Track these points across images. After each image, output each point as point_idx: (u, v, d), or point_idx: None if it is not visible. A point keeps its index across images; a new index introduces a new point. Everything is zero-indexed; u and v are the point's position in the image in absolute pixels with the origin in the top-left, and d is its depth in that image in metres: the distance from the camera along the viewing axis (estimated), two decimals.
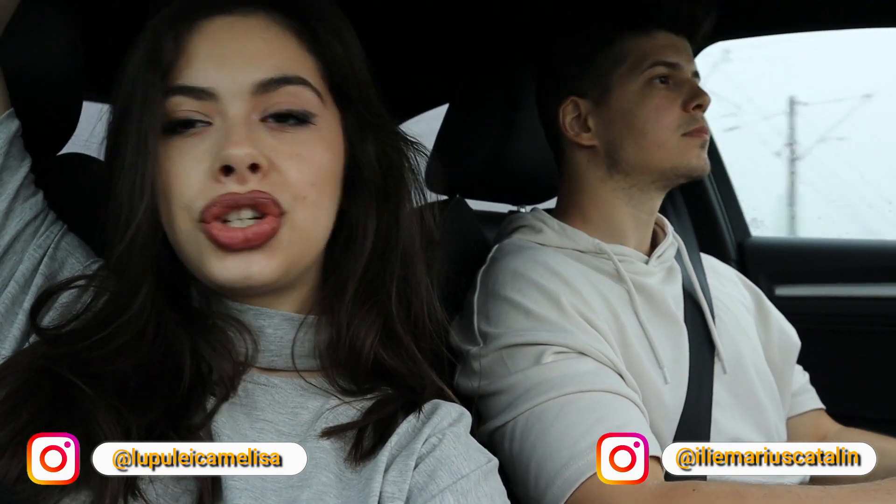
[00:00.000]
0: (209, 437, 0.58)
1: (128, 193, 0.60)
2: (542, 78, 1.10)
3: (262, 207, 0.58)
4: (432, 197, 0.84)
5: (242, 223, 0.58)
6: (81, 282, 0.64)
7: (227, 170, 0.57)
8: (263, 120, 0.60)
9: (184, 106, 0.60)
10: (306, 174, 0.60)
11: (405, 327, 0.67)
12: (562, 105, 1.03)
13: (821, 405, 1.16)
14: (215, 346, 0.62)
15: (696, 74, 1.01)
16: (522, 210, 1.22)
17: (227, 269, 0.58)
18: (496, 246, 1.02)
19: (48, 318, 0.64)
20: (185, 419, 0.57)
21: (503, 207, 1.31)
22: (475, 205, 1.24)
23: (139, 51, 0.62)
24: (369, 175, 0.67)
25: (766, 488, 0.71)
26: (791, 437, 1.10)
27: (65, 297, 0.65)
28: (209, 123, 0.60)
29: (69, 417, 0.54)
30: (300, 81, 0.61)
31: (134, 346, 0.60)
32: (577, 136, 1.03)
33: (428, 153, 0.73)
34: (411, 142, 0.70)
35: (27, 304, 0.64)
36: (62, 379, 0.56)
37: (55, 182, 0.72)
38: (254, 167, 0.58)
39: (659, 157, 0.98)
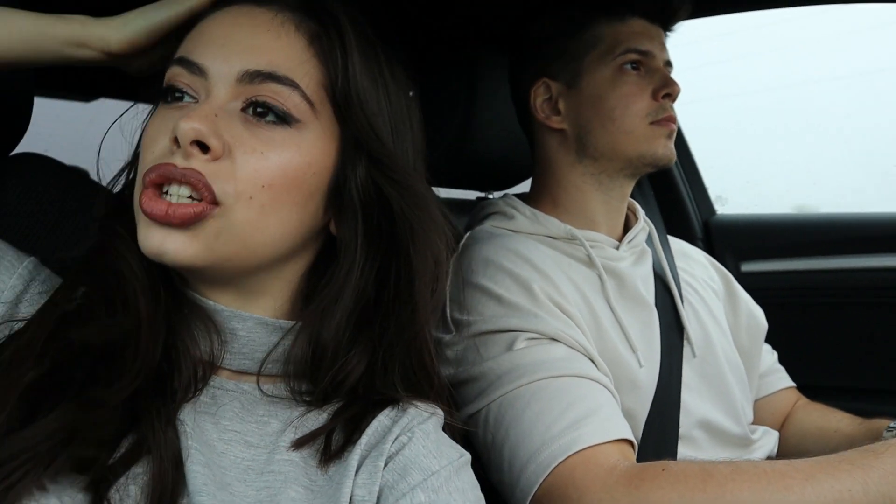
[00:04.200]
0: (176, 447, 0.57)
1: None
2: (514, 58, 1.09)
3: (194, 187, 0.56)
4: None
5: (173, 199, 0.57)
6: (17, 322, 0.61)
7: (177, 140, 0.57)
8: (244, 110, 0.60)
9: (179, 77, 0.61)
10: (262, 173, 0.58)
11: (392, 367, 0.65)
12: (533, 86, 1.03)
13: (790, 384, 1.18)
14: (185, 336, 0.61)
15: (668, 63, 1.02)
16: (492, 196, 1.21)
17: (147, 238, 0.57)
18: (468, 233, 1.01)
19: None
20: (154, 413, 0.56)
21: (469, 194, 1.31)
22: (441, 192, 1.24)
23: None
24: (355, 200, 0.63)
25: (732, 465, 0.72)
26: (761, 417, 1.13)
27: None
28: (196, 100, 0.60)
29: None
30: (288, 83, 0.60)
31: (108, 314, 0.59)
32: (547, 119, 1.03)
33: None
34: (425, 194, 0.66)
35: None
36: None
37: (7, 183, 0.69)
38: (202, 146, 0.57)
39: (626, 143, 0.98)
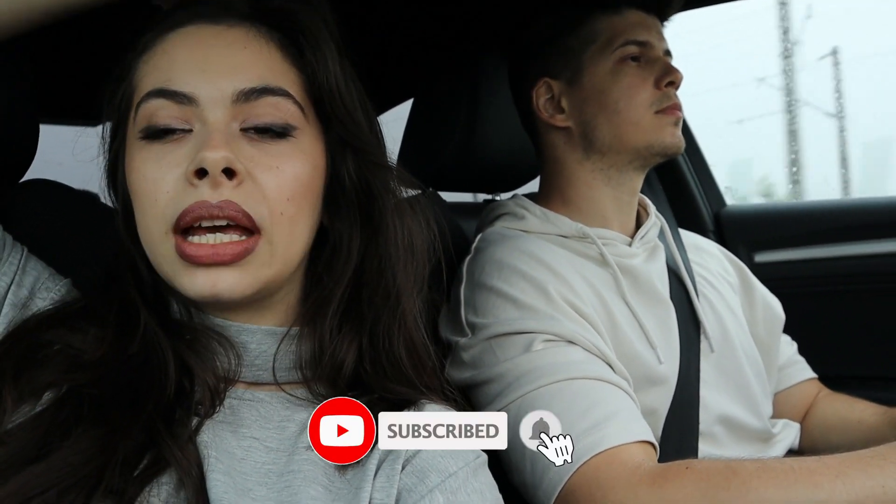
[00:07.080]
0: (197, 458, 0.57)
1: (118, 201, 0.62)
2: (514, 61, 1.09)
3: (233, 218, 0.57)
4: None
5: (214, 238, 0.57)
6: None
7: (201, 173, 0.56)
8: (244, 130, 0.60)
9: (163, 111, 0.59)
10: (283, 188, 0.59)
11: (388, 349, 0.66)
12: (535, 87, 1.03)
13: (811, 375, 1.17)
14: (201, 356, 0.61)
15: (667, 52, 1.01)
16: (499, 198, 1.21)
17: (196, 283, 0.58)
18: (479, 235, 1.01)
19: None
20: (169, 438, 0.56)
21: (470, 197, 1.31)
22: (446, 196, 1.24)
23: (132, 57, 0.63)
24: (348, 192, 0.66)
25: (758, 462, 0.71)
26: (782, 410, 1.12)
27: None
28: (189, 130, 0.59)
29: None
30: (282, 93, 0.61)
31: (118, 346, 0.60)
32: (551, 118, 1.02)
33: (418, 185, 0.71)
34: (393, 170, 0.68)
35: None
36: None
37: (17, 210, 0.70)
38: (229, 172, 0.57)
39: (633, 135, 0.97)
